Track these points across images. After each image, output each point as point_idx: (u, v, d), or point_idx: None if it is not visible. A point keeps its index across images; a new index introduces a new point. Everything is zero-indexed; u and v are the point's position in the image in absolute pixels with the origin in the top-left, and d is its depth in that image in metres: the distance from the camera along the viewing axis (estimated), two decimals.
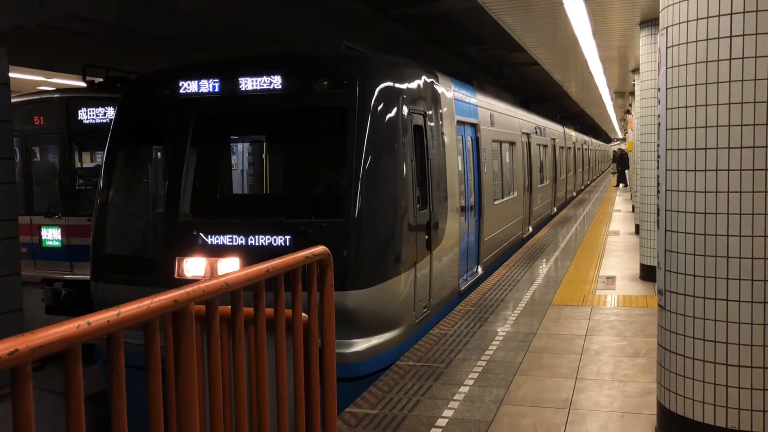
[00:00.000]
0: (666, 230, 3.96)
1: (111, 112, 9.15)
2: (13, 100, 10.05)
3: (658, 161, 4.11)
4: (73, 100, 9.66)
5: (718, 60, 3.59)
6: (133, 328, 1.96)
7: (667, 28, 3.87)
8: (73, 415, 1.76)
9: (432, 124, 7.27)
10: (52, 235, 9.53)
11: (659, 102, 4.04)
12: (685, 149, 3.78)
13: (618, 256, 11.74)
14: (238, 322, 2.56)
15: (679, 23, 3.76)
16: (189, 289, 2.20)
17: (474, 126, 9.89)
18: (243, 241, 6.16)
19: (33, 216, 9.63)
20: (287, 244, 6.04)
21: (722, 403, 3.68)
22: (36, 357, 1.61)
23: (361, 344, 5.92)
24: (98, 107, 9.45)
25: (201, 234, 6.27)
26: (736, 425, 3.64)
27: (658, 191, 4.09)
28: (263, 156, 8.75)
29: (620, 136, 58.08)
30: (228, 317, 2.57)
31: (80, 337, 1.72)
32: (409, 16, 12.10)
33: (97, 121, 9.46)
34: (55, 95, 9.96)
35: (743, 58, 3.52)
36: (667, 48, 3.87)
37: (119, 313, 1.87)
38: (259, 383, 2.69)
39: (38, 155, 10.64)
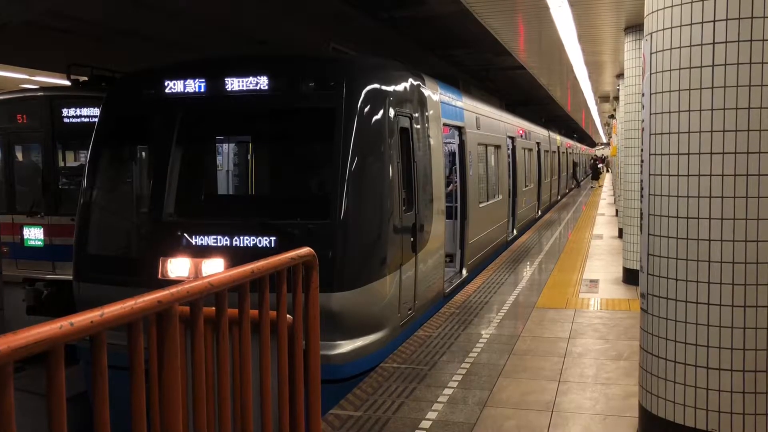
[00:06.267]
0: (649, 234, 3.99)
1: (95, 111, 9.08)
2: None
3: (641, 166, 4.15)
4: (56, 98, 9.58)
5: (701, 66, 3.63)
6: (116, 329, 1.95)
7: (651, 34, 3.91)
8: (55, 416, 1.75)
9: (418, 126, 7.29)
10: (34, 235, 9.44)
11: (643, 107, 4.08)
12: (669, 154, 3.81)
13: (601, 259, 11.82)
14: (222, 323, 2.56)
15: (663, 29, 3.80)
16: (173, 289, 2.19)
17: (460, 129, 9.93)
18: (228, 242, 6.13)
19: (15, 215, 9.53)
20: (273, 245, 6.02)
21: (702, 406, 3.72)
22: (18, 357, 1.59)
23: (346, 346, 5.92)
24: (82, 106, 9.37)
25: (185, 234, 6.24)
26: (716, 428, 3.68)
27: (642, 195, 4.13)
28: (249, 156, 8.73)
29: (605, 140, 58.54)
30: (212, 318, 2.57)
31: (63, 337, 1.71)
32: (396, 18, 12.13)
33: (81, 120, 9.39)
34: (39, 93, 9.86)
35: (726, 64, 3.56)
36: (651, 54, 3.91)
37: (102, 314, 1.86)
38: (243, 384, 2.69)
39: (21, 154, 10.54)
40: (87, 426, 2.02)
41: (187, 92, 6.58)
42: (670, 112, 3.79)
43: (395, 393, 5.11)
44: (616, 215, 17.90)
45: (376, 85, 6.45)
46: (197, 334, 2.42)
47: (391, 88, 6.65)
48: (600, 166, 45.37)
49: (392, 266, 6.32)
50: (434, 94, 8.32)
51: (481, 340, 6.55)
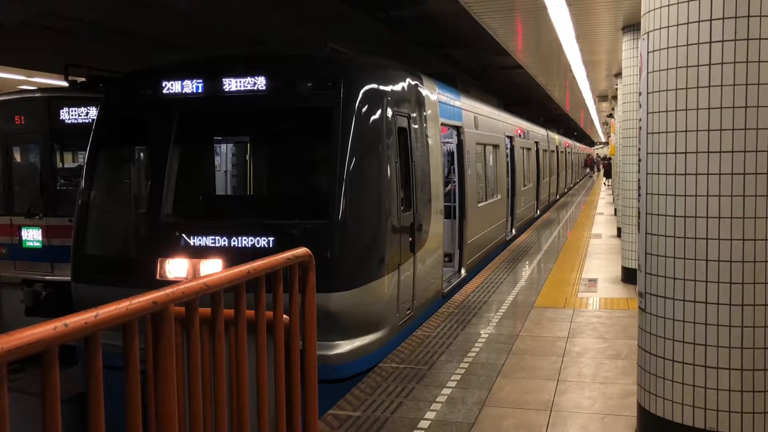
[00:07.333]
0: (646, 233, 3.99)
1: (93, 112, 9.08)
2: None
3: (639, 165, 4.14)
4: (54, 99, 9.57)
5: (698, 65, 3.63)
6: (111, 330, 1.94)
7: (648, 33, 3.91)
8: (49, 417, 1.74)
9: (416, 126, 7.29)
10: (32, 236, 9.43)
11: (641, 106, 4.07)
12: (666, 153, 3.81)
13: (600, 258, 11.81)
14: (218, 324, 2.55)
15: (660, 28, 3.79)
16: (168, 290, 2.19)
17: (458, 128, 9.92)
18: (226, 243, 6.13)
19: (13, 216, 9.52)
20: (270, 245, 6.01)
21: (701, 405, 3.71)
22: (12, 359, 1.59)
23: (344, 346, 5.92)
24: (80, 107, 9.37)
25: (183, 235, 6.23)
26: (714, 426, 3.68)
27: (639, 194, 4.13)
28: (246, 157, 8.72)
29: (603, 139, 58.60)
30: (209, 319, 2.56)
31: (57, 338, 1.71)
32: (394, 18, 12.12)
33: (79, 121, 9.38)
34: (37, 95, 9.86)
35: (722, 63, 3.56)
36: (648, 53, 3.91)
37: (97, 315, 1.85)
38: (240, 385, 2.68)
39: (19, 155, 10.53)
40: (86, 427, 2.02)
41: (185, 92, 6.57)
42: (667, 111, 3.79)
43: (394, 393, 5.11)
44: (615, 214, 17.90)
45: (374, 85, 6.45)
46: (193, 335, 2.41)
47: (388, 88, 6.65)
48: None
49: (390, 266, 6.31)
50: (432, 93, 8.31)
51: (479, 340, 6.54)
